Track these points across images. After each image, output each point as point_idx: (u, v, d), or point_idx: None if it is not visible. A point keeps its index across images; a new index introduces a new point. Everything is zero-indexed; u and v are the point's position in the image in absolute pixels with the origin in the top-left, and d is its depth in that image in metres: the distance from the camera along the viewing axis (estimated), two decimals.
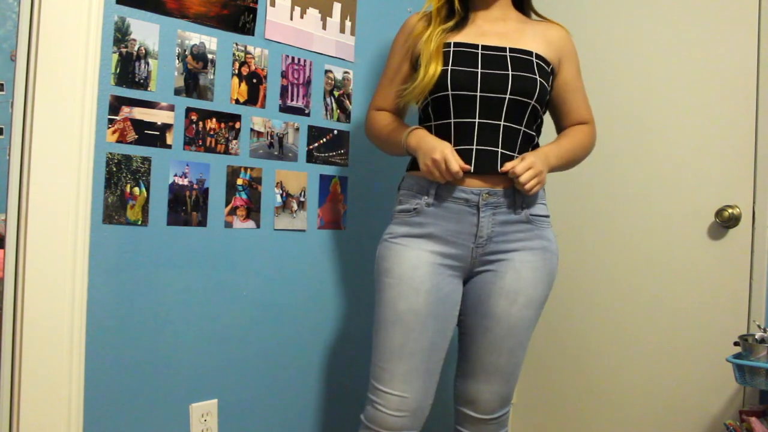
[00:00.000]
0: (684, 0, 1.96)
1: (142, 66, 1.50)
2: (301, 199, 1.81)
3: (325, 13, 1.84)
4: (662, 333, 1.98)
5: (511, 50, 1.45)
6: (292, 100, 1.78)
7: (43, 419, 1.37)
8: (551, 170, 1.48)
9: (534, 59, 1.46)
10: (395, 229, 1.48)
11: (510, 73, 1.42)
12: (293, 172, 1.79)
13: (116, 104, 1.47)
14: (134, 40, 1.49)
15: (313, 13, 1.81)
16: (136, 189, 1.50)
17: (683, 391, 1.92)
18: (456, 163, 1.37)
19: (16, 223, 1.36)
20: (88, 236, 1.43)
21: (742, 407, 1.78)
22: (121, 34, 1.47)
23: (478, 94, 1.41)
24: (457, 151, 1.41)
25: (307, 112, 1.81)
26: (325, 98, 1.85)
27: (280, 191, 1.76)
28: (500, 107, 1.42)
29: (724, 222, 1.85)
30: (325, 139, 1.85)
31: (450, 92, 1.42)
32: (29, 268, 1.35)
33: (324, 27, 1.84)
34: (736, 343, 1.62)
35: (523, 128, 1.45)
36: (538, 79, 1.44)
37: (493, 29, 1.50)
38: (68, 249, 1.39)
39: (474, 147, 1.42)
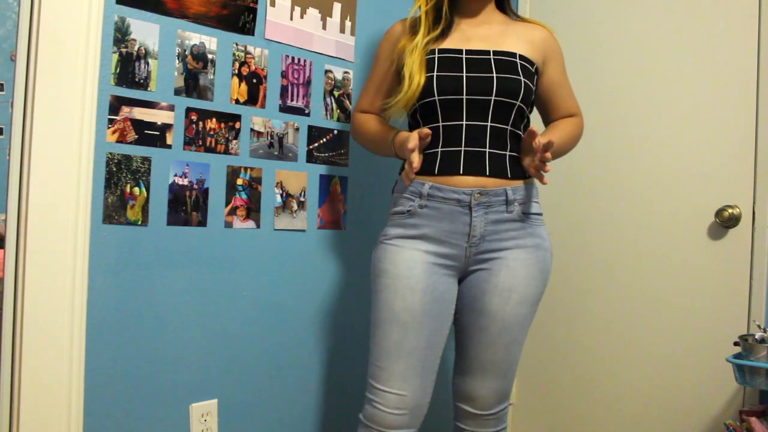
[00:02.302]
0: (684, 0, 1.97)
1: (142, 66, 1.50)
2: (301, 199, 1.81)
3: (325, 13, 1.84)
4: (662, 333, 1.98)
5: (495, 53, 1.47)
6: (292, 100, 1.78)
7: (43, 419, 1.37)
8: None
9: (518, 60, 1.48)
10: (390, 231, 1.50)
11: (494, 75, 1.44)
12: (293, 172, 1.79)
13: (116, 104, 1.47)
14: (134, 40, 1.49)
15: (313, 13, 1.81)
16: (136, 189, 1.50)
17: (683, 391, 1.93)
18: (415, 158, 1.37)
19: (16, 223, 1.36)
20: (88, 236, 1.43)
21: (742, 407, 1.78)
22: (121, 34, 1.47)
23: (464, 97, 1.44)
24: (446, 152, 1.45)
25: (307, 112, 1.81)
26: (325, 98, 1.85)
27: (280, 191, 1.76)
28: (486, 109, 1.44)
29: (724, 222, 1.85)
30: (325, 139, 1.85)
31: (437, 97, 1.45)
32: (29, 268, 1.35)
33: (324, 27, 1.84)
34: (736, 343, 1.62)
35: (509, 128, 1.48)
36: (522, 79, 1.46)
37: (477, 33, 1.53)
38: (68, 249, 1.39)
39: (462, 148, 1.44)
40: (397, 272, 1.44)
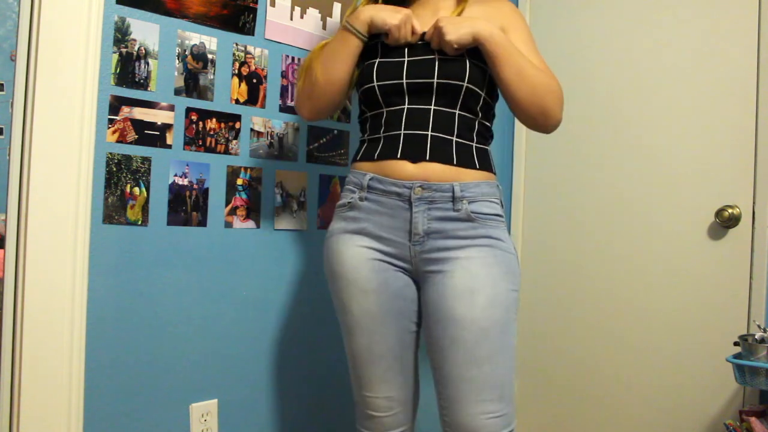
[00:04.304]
0: (684, 0, 1.97)
1: (142, 66, 1.51)
2: (301, 199, 1.81)
3: (325, 13, 1.84)
4: (662, 333, 1.98)
5: None
6: (292, 100, 1.78)
7: (43, 419, 1.37)
8: (479, 42, 1.34)
9: None
10: (333, 225, 1.44)
11: (436, 57, 1.36)
12: (293, 172, 1.79)
13: (116, 104, 1.47)
14: (134, 40, 1.49)
15: (313, 13, 1.81)
16: (136, 189, 1.50)
17: (683, 391, 1.92)
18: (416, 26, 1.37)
19: (16, 223, 1.36)
20: (88, 236, 1.43)
21: (742, 407, 1.78)
22: (121, 34, 1.47)
23: (404, 81, 1.37)
24: (387, 137, 1.38)
25: None
26: None
27: (280, 191, 1.76)
28: (429, 92, 1.37)
29: (724, 222, 1.85)
30: (325, 139, 1.85)
31: (376, 83, 1.38)
32: (29, 268, 1.35)
33: (324, 27, 1.84)
34: (736, 343, 1.62)
35: (458, 111, 1.38)
36: (468, 60, 1.37)
37: (425, 18, 1.43)
38: (68, 249, 1.39)
39: (402, 132, 1.37)
40: (344, 272, 1.38)
